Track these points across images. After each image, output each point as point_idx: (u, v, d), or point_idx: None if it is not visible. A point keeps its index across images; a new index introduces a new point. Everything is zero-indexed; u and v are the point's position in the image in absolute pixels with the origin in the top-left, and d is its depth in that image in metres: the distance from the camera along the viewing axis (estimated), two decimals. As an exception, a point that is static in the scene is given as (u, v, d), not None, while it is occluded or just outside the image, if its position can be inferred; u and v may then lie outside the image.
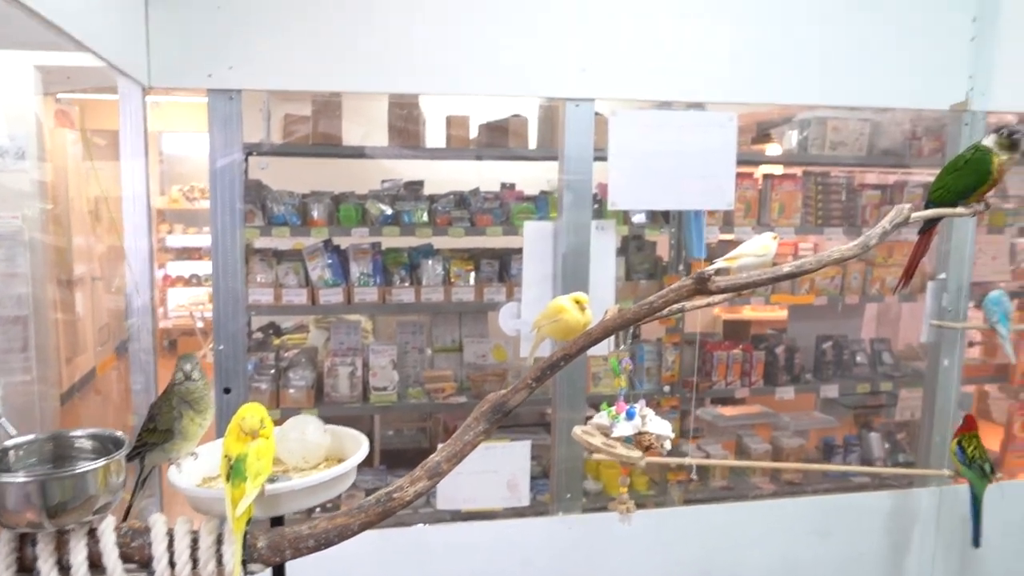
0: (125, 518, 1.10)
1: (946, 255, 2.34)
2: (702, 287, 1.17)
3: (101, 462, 0.98)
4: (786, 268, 1.21)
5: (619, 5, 1.95)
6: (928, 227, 1.64)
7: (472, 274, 2.70)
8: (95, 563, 1.02)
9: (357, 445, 1.23)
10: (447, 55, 1.89)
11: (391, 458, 3.02)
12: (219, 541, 1.06)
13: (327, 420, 1.28)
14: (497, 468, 2.08)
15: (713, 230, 2.83)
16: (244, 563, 1.05)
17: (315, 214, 2.50)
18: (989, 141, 1.53)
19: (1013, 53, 2.18)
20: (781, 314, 3.86)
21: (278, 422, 1.22)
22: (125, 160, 1.72)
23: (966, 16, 2.15)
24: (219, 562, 1.05)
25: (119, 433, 1.08)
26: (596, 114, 2.01)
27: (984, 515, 2.18)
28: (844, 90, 2.13)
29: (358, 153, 2.63)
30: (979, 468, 2.14)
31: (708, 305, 1.52)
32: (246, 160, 2.65)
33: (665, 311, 1.47)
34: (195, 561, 1.05)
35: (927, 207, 1.56)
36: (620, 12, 1.95)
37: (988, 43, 2.16)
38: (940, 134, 2.94)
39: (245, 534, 1.05)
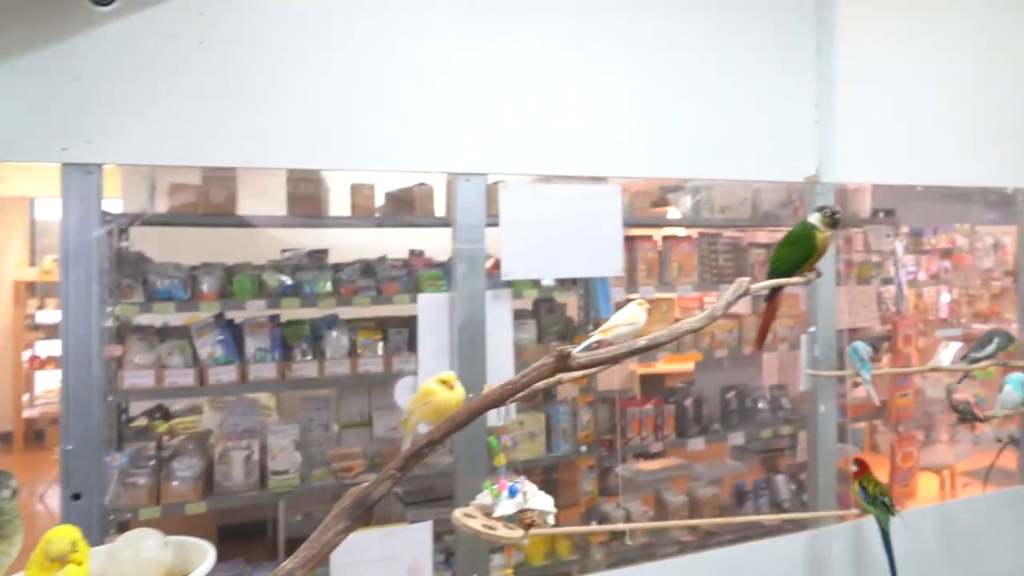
0: None
1: (815, 310, 2.47)
2: (562, 364, 1.10)
3: None
4: (641, 342, 1.19)
5: (508, 85, 1.98)
6: (772, 295, 1.77)
7: (380, 344, 2.53)
8: None
9: (203, 556, 1.02)
10: (340, 130, 1.80)
11: (297, 546, 2.70)
12: None
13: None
14: (396, 554, 1.86)
15: (619, 290, 2.82)
16: None
17: (205, 287, 2.28)
18: (814, 218, 1.66)
19: (853, 131, 2.44)
20: (690, 366, 3.90)
21: (158, 521, 1.01)
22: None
23: (809, 102, 2.40)
24: None
25: None
26: (492, 184, 1.98)
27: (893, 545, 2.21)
28: (713, 165, 2.29)
29: (253, 223, 2.45)
30: (882, 504, 2.19)
31: (583, 376, 1.45)
32: (125, 231, 2.41)
33: (542, 385, 1.39)
34: None
35: (770, 276, 1.68)
36: (508, 92, 1.98)
37: (830, 124, 2.41)
38: (805, 203, 3.16)
39: None
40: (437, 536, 1.96)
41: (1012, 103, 2.78)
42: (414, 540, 1.85)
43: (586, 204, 1.98)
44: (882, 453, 4.13)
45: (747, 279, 1.40)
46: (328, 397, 2.64)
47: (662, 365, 4.36)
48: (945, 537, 2.65)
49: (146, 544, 1.01)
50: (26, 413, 5.18)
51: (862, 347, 2.36)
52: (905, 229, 4.48)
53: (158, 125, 1.65)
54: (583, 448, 2.90)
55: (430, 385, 1.22)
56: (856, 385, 3.86)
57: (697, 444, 3.11)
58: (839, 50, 2.39)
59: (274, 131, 1.74)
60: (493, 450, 1.29)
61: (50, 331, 5.33)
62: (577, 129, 2.05)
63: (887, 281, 3.64)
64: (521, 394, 1.19)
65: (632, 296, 2.98)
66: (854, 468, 2.27)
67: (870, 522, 2.49)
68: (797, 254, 1.68)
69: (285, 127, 1.75)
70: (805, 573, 2.42)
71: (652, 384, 4.18)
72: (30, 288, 5.30)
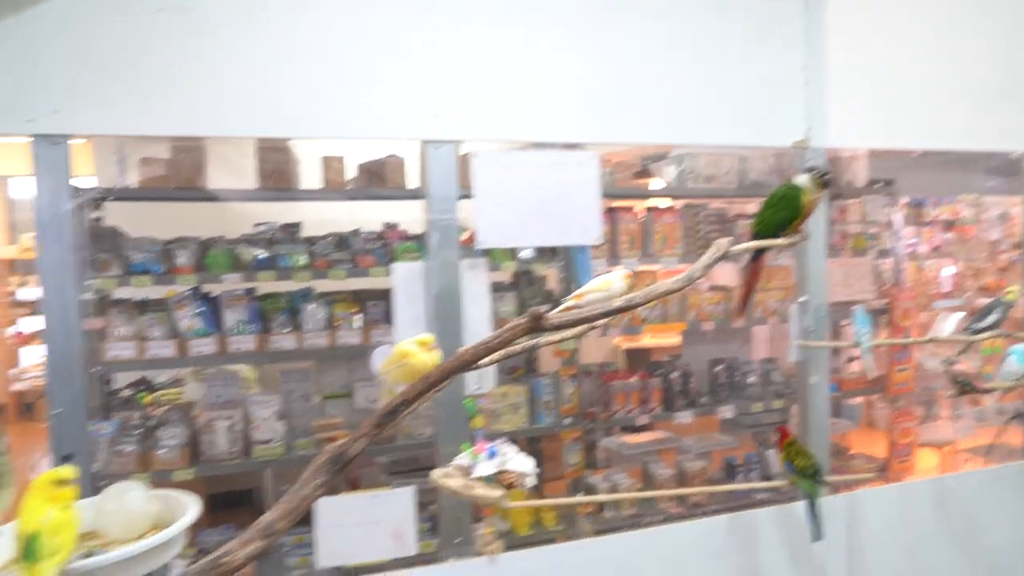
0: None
1: (805, 279, 2.51)
2: (536, 324, 1.20)
3: None
4: (616, 303, 1.28)
5: (478, 49, 2.01)
6: (755, 259, 1.79)
7: (357, 316, 2.67)
8: None
9: (187, 508, 1.17)
10: (307, 99, 1.87)
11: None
12: (17, 632, 0.97)
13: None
14: (380, 518, 2.02)
15: (601, 262, 2.94)
16: (49, 653, 0.96)
17: (180, 261, 2.41)
18: (803, 179, 1.71)
19: (842, 94, 2.42)
20: (676, 340, 4.02)
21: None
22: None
23: (796, 64, 2.38)
24: (18, 654, 0.96)
25: None
26: (464, 154, 2.06)
27: (821, 512, 2.23)
28: (699, 131, 2.29)
29: (225, 196, 2.56)
30: (811, 476, 2.20)
31: (559, 341, 1.56)
32: (100, 205, 2.52)
33: (519, 349, 1.52)
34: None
35: (753, 239, 1.70)
36: (476, 56, 2.01)
37: (818, 87, 2.40)
38: (794, 169, 3.22)
39: (50, 619, 0.97)
40: (423, 505, 2.12)
41: (1017, 60, 2.68)
42: (398, 505, 2.00)
43: (562, 172, 2.04)
44: (880, 429, 4.28)
45: (728, 239, 1.46)
46: (308, 369, 2.78)
47: (647, 339, 4.50)
48: (943, 511, 2.71)
49: (131, 496, 1.16)
50: (15, 387, 5.42)
51: (864, 315, 2.36)
52: (905, 199, 4.56)
53: (124, 95, 1.73)
54: (567, 420, 3.04)
55: (406, 347, 1.29)
56: (851, 360, 4.00)
57: (685, 418, 3.23)
58: (828, 5, 2.36)
59: (242, 100, 1.82)
60: (470, 412, 1.41)
61: (33, 307, 5.60)
62: (552, 94, 2.07)
63: (884, 253, 3.68)
64: (496, 355, 1.30)
65: (613, 269, 3.10)
66: (775, 437, 2.29)
67: (864, 494, 2.57)
68: (781, 215, 1.69)
69: (253, 96, 1.82)
70: (791, 544, 2.51)
71: (637, 358, 4.32)
72: (10, 266, 5.50)
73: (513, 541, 2.91)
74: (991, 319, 2.36)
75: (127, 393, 2.83)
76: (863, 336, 2.44)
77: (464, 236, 2.06)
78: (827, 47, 2.39)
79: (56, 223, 1.67)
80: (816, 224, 2.40)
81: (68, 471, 1.01)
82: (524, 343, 1.51)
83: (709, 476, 3.46)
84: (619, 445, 3.53)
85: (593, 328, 1.62)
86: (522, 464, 1.45)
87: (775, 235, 1.70)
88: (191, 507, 1.17)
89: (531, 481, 1.47)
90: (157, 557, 1.11)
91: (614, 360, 4.12)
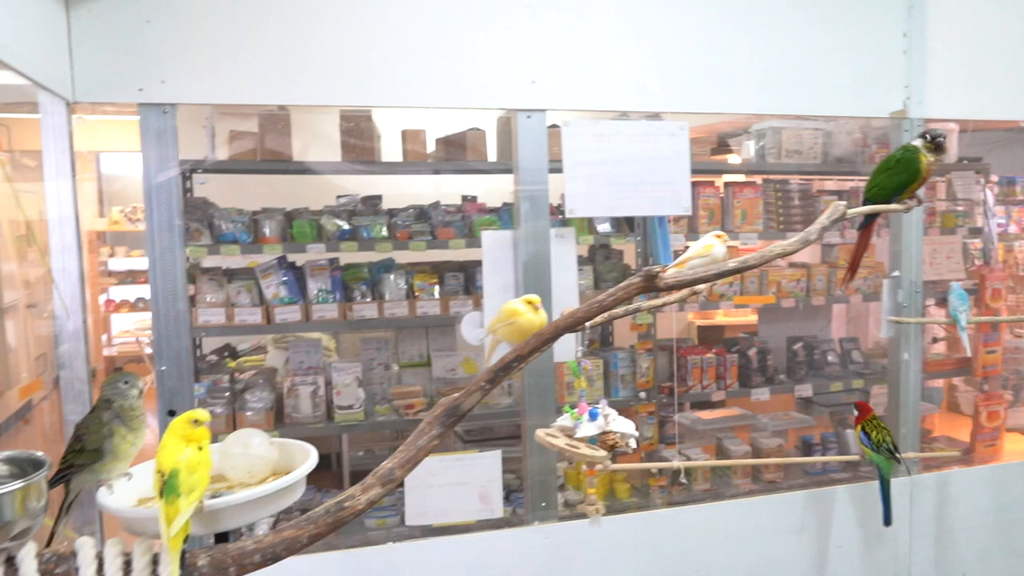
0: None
1: (898, 254, 2.43)
2: (650, 283, 1.17)
3: (17, 484, 0.92)
4: (731, 264, 1.24)
5: (570, 18, 1.99)
6: (867, 224, 1.72)
7: (436, 287, 2.67)
8: (16, 595, 0.95)
9: (306, 457, 1.18)
10: (396, 67, 1.89)
11: (361, 479, 2.93)
12: (155, 562, 1.00)
13: None
14: (467, 480, 2.03)
15: (679, 237, 2.86)
16: (184, 584, 0.98)
17: (267, 231, 2.45)
18: (917, 143, 1.63)
19: (943, 63, 2.33)
20: (752, 318, 3.90)
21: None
22: (49, 179, 1.66)
23: (897, 31, 2.29)
24: (156, 585, 0.98)
25: (39, 454, 1.01)
26: (552, 126, 2.04)
27: (891, 495, 2.21)
28: (791, 101, 2.23)
29: (310, 169, 2.59)
30: (887, 451, 2.16)
31: (664, 304, 1.52)
32: (189, 177, 2.59)
33: (622, 311, 1.48)
34: (129, 586, 0.98)
35: (865, 204, 1.63)
36: (572, 25, 1.99)
37: (919, 55, 2.31)
38: (888, 142, 3.07)
39: (184, 553, 0.99)
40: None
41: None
42: (484, 467, 2.01)
43: (652, 142, 2.01)
44: (963, 413, 4.07)
45: (843, 202, 1.40)
46: (387, 339, 2.81)
47: (721, 317, 4.38)
48: None
49: (254, 441, 1.18)
50: (105, 352, 5.75)
51: (962, 291, 2.30)
52: (995, 178, 4.29)
53: (223, 66, 1.78)
54: (642, 394, 2.99)
55: (515, 305, 1.28)
56: (935, 340, 3.81)
57: (761, 394, 3.14)
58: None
59: (332, 69, 1.84)
60: (574, 372, 1.39)
61: (121, 277, 5.94)
62: (643, 64, 2.05)
63: (975, 231, 3.50)
64: (600, 317, 1.27)
65: (692, 243, 3.01)
66: (855, 412, 2.23)
67: (954, 474, 2.49)
68: (897, 179, 1.62)
69: (343, 65, 1.85)
70: (862, 523, 2.43)
71: (710, 336, 4.21)
72: (102, 237, 5.83)
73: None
74: None
75: (213, 359, 2.92)
76: (960, 313, 2.34)
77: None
78: (929, 14, 2.31)
79: (164, 190, 1.72)
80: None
81: (203, 413, 1.03)
82: (628, 307, 1.47)
83: (785, 454, 3.36)
84: (693, 420, 3.46)
85: (694, 293, 1.57)
86: (624, 425, 1.42)
87: (888, 200, 1.63)
88: (311, 455, 1.18)
89: (634, 443, 1.44)
90: (281, 500, 1.12)
91: (688, 337, 4.04)
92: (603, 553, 2.14)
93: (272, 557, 1.04)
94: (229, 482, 1.17)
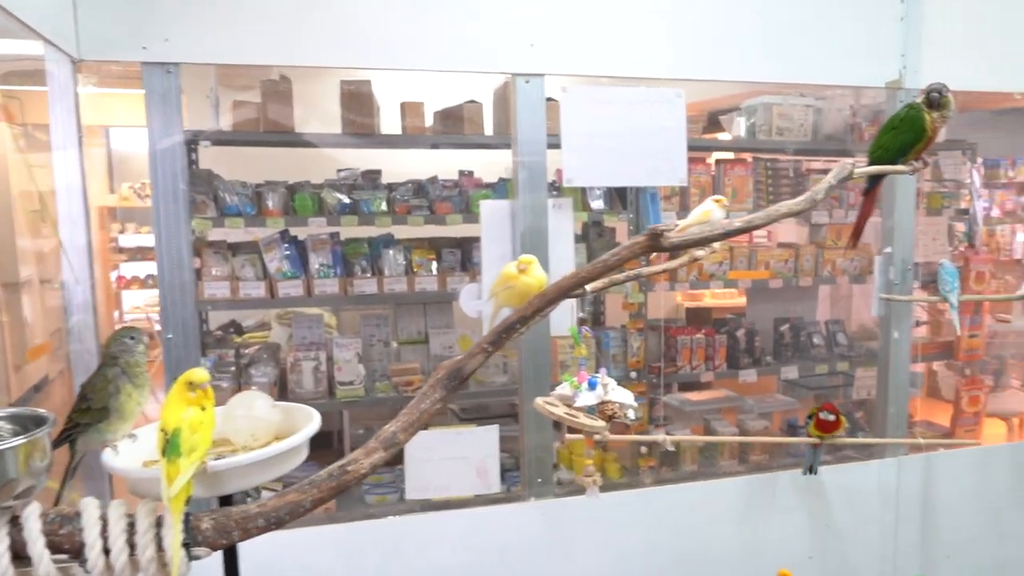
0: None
1: (890, 231, 2.39)
2: (655, 242, 1.14)
3: (19, 440, 0.89)
4: (737, 223, 1.20)
5: None
6: (871, 187, 1.67)
7: (434, 263, 2.64)
8: (19, 554, 0.92)
9: (309, 420, 1.15)
10: (396, 30, 1.83)
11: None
12: (158, 524, 0.97)
13: None
14: (465, 454, 2.01)
15: (670, 214, 2.83)
16: (187, 546, 0.96)
17: (270, 204, 2.41)
18: (921, 101, 1.57)
19: (941, 31, 2.24)
20: (739, 300, 3.89)
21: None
22: (57, 147, 1.61)
23: None
24: (159, 547, 0.96)
25: (41, 411, 0.98)
26: (549, 99, 1.99)
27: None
28: (785, 69, 2.17)
29: (312, 141, 2.54)
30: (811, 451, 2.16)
31: (664, 270, 1.49)
32: (194, 149, 2.54)
33: (623, 277, 1.45)
34: (132, 547, 0.96)
35: (871, 165, 1.56)
36: None
37: (916, 22, 2.23)
38: (877, 119, 3.02)
39: (188, 515, 0.97)
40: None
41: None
42: (482, 443, 1.99)
43: (649, 109, 1.96)
44: (943, 398, 4.06)
45: (851, 161, 1.36)
46: (386, 315, 2.78)
47: (709, 299, 4.37)
48: (1021, 478, 2.60)
49: (257, 404, 1.15)
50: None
51: (953, 268, 2.23)
52: (980, 160, 4.25)
53: (224, 25, 1.72)
54: (633, 374, 2.97)
55: (510, 269, 1.26)
56: (919, 324, 3.80)
57: (749, 376, 3.12)
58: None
59: (332, 31, 1.78)
60: (575, 339, 1.37)
61: (132, 253, 5.85)
62: (641, 29, 1.99)
63: (960, 213, 3.46)
64: (602, 282, 1.24)
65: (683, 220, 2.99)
66: (831, 418, 2.12)
67: (940, 457, 2.46)
68: (903, 139, 1.55)
69: (343, 27, 1.79)
70: (850, 504, 2.43)
71: (699, 317, 4.20)
72: (112, 213, 5.73)
73: (579, 489, 2.90)
74: None
75: (219, 334, 2.89)
76: (950, 291, 2.29)
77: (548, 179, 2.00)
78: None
79: (168, 155, 1.67)
80: (904, 176, 2.24)
81: (202, 372, 1.00)
82: (629, 272, 1.45)
83: (771, 436, 3.36)
84: (681, 402, 3.45)
85: (695, 259, 1.53)
86: (623, 396, 1.40)
87: (894, 161, 1.56)
88: (314, 418, 1.16)
89: (632, 414, 1.42)
90: (285, 463, 1.10)
91: (677, 318, 4.02)
92: (598, 529, 2.14)
93: (276, 521, 1.01)
94: (233, 445, 1.15)
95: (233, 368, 2.43)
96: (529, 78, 1.90)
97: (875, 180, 1.65)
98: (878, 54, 2.23)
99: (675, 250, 1.22)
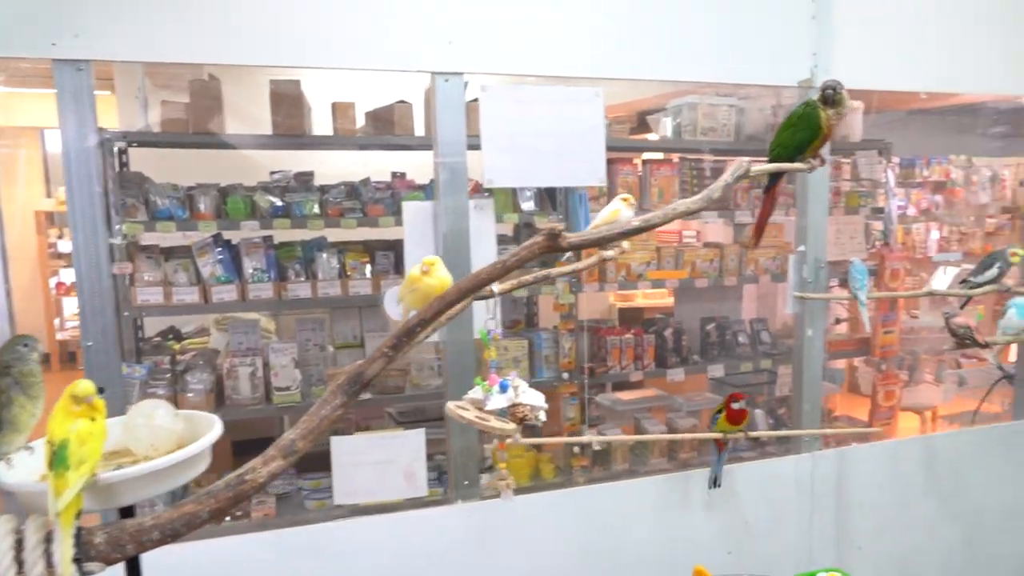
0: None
1: (804, 230, 2.40)
2: (553, 243, 1.16)
3: None
4: (635, 222, 1.23)
5: None
6: (771, 185, 1.68)
7: (368, 266, 2.63)
8: None
9: (211, 427, 1.15)
10: (317, 27, 1.77)
11: (303, 460, 2.87)
12: (48, 539, 0.95)
13: (230, 424, 1.19)
14: (392, 458, 2.01)
15: (599, 214, 2.87)
16: (79, 562, 0.95)
17: (202, 207, 2.36)
18: (817, 99, 1.57)
19: (852, 31, 2.24)
20: (671, 300, 3.96)
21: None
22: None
23: None
24: (49, 563, 0.94)
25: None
26: (473, 100, 1.98)
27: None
28: (703, 68, 2.15)
29: (242, 143, 2.49)
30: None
31: (573, 272, 1.52)
32: (125, 151, 2.46)
33: (531, 278, 1.47)
34: (20, 564, 0.94)
35: (771, 163, 1.59)
36: None
37: (827, 21, 2.22)
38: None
39: (80, 530, 0.95)
40: (429, 456, 2.10)
41: (1029, 0, 2.45)
42: (409, 446, 1.99)
43: (568, 108, 1.93)
44: (862, 393, 4.22)
45: (747, 159, 1.38)
46: (322, 319, 2.76)
47: (641, 299, 4.44)
48: (929, 470, 2.65)
49: (158, 413, 1.14)
50: (58, 336, 5.41)
51: (862, 266, 2.26)
52: (896, 159, 4.40)
53: (141, 21, 1.65)
54: (565, 375, 2.97)
55: (413, 272, 1.27)
56: (838, 321, 3.94)
57: (677, 375, 3.15)
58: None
59: (254, 28, 1.73)
60: (484, 342, 1.38)
61: (71, 259, 5.59)
62: (557, 29, 1.96)
63: (876, 211, 3.50)
64: (508, 284, 1.26)
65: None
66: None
67: (853, 451, 2.50)
68: (800, 136, 1.56)
69: (263, 25, 1.73)
70: (768, 499, 2.46)
71: (631, 317, 4.27)
72: (49, 218, 5.43)
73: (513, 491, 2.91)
74: (991, 273, 2.25)
75: (157, 341, 2.81)
76: (859, 288, 2.35)
77: (469, 186, 2.00)
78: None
79: (82, 156, 1.61)
80: (818, 175, 2.25)
81: (88, 384, 0.99)
82: (537, 273, 1.47)
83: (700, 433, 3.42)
84: (613, 401, 3.51)
85: (603, 260, 1.55)
86: (534, 398, 1.43)
87: (792, 159, 1.58)
88: (215, 426, 1.16)
89: (543, 416, 1.45)
90: (183, 473, 1.09)
91: (609, 319, 4.08)
92: (526, 530, 2.15)
93: (171, 534, 1.00)
94: (134, 456, 1.14)
95: (169, 375, 2.38)
96: (448, 77, 1.86)
97: (775, 178, 1.66)
98: (791, 53, 2.22)
99: (574, 250, 1.25)
